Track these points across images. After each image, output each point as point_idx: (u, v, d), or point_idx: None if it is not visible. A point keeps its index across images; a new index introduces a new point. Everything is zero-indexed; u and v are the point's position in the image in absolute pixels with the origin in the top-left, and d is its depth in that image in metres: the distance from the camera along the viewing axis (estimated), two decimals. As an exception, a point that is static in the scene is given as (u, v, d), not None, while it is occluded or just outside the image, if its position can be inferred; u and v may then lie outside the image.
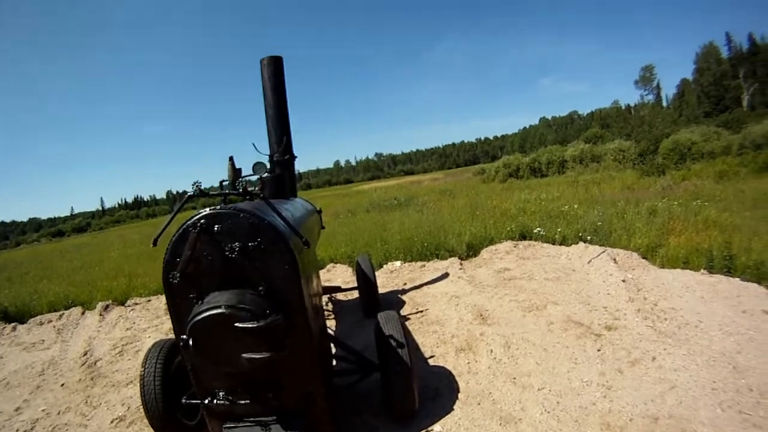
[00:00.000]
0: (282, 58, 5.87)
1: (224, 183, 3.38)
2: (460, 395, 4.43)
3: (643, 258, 8.07)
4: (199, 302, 2.96)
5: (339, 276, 9.60)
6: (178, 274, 3.02)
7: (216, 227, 2.98)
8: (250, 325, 2.74)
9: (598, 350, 4.90)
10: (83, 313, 9.29)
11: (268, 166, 4.10)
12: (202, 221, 2.98)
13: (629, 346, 4.89)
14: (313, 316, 3.37)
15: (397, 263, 9.75)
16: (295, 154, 5.99)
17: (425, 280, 8.23)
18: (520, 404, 4.17)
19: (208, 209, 3.05)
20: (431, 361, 5.20)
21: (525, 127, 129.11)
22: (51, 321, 9.09)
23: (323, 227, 6.55)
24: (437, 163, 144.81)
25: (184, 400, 3.33)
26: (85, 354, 7.07)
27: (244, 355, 2.79)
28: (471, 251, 9.97)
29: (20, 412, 5.53)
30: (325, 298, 8.03)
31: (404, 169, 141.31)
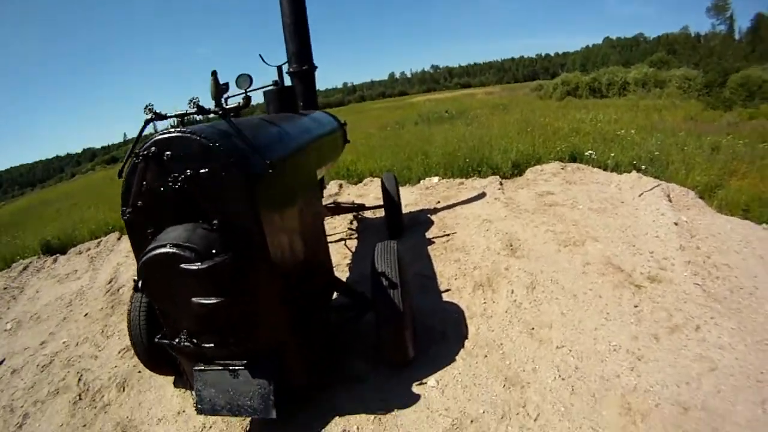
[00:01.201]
0: None
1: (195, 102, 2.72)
2: (466, 343, 3.82)
3: (700, 197, 7.02)
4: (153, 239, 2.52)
5: (373, 190, 8.97)
6: (129, 210, 2.63)
7: (166, 154, 2.47)
8: (191, 267, 2.27)
9: (635, 306, 4.04)
10: (119, 238, 9.07)
11: (252, 78, 3.47)
12: (152, 148, 2.48)
13: (671, 307, 3.97)
14: (284, 254, 2.81)
15: (435, 179, 9.03)
16: (316, 64, 5.28)
17: (460, 199, 7.50)
18: (532, 363, 3.51)
19: (158, 134, 2.53)
20: (445, 296, 4.60)
21: (588, 46, 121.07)
22: (89, 249, 8.91)
23: (348, 141, 5.90)
24: (495, 78, 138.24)
25: (156, 339, 2.92)
26: (110, 282, 6.83)
27: (194, 299, 2.35)
28: (516, 170, 9.12)
29: (44, 346, 5.36)
30: (350, 216, 7.55)
31: (461, 83, 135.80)
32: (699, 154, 9.16)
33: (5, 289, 7.60)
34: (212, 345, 2.72)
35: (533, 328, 3.92)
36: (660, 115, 17.23)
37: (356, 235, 6.86)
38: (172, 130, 2.52)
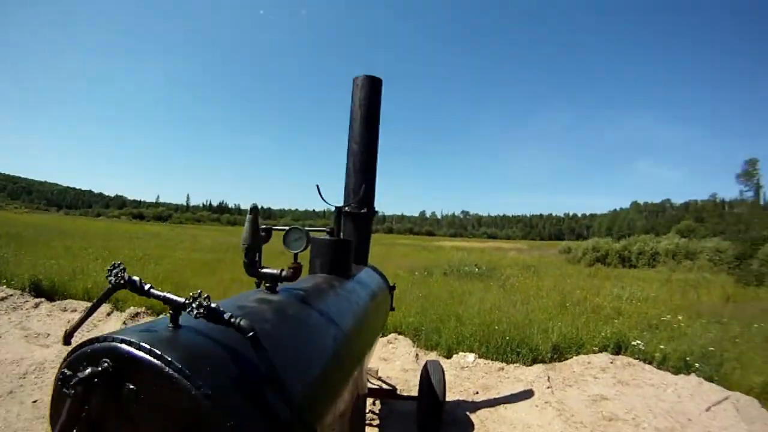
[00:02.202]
0: (381, 81, 4.46)
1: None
2: None
3: (762, 407, 6.00)
4: None
5: (400, 354, 8.01)
6: None
7: (127, 386, 1.21)
8: None
9: None
10: (109, 314, 8.30)
11: (309, 237, 2.45)
12: (103, 364, 1.19)
13: None
14: None
15: (470, 357, 8.05)
16: (376, 209, 4.48)
17: (502, 393, 6.49)
18: None
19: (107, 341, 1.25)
20: None
21: (615, 210, 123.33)
22: (74, 310, 8.14)
23: (392, 308, 5.06)
24: (521, 232, 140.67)
25: None
26: None
27: None
28: (557, 354, 8.25)
29: None
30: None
31: (488, 232, 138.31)
32: (752, 348, 8.30)
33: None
34: None
35: None
36: (696, 293, 16.42)
37: (377, 422, 5.51)
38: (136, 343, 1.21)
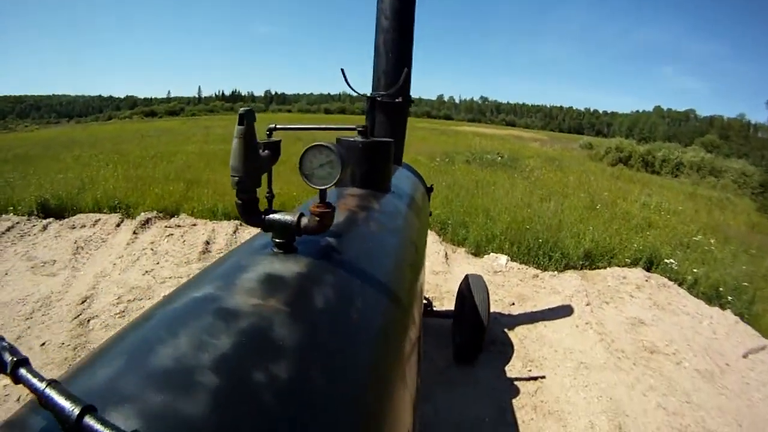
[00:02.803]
0: None
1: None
2: None
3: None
4: None
5: (428, 253, 7.10)
6: None
7: None
8: None
9: None
10: (118, 225, 7.89)
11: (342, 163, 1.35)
12: None
13: None
14: None
15: (503, 260, 7.53)
16: (412, 96, 3.60)
17: (539, 307, 6.07)
18: None
19: None
20: None
21: (637, 111, 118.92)
22: (83, 226, 7.73)
23: (430, 213, 4.30)
24: (540, 122, 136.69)
25: None
26: (84, 302, 5.42)
27: None
28: (589, 261, 7.88)
29: None
30: None
31: (506, 119, 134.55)
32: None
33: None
34: None
35: None
36: (722, 214, 15.86)
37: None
38: None
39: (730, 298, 7.15)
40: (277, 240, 1.28)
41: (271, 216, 1.28)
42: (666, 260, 8.20)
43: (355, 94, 3.08)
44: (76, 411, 0.56)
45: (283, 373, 0.81)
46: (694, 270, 7.89)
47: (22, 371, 0.63)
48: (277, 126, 1.56)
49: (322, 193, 1.32)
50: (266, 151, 1.35)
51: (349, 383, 0.95)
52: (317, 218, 1.27)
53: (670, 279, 7.65)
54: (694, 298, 7.11)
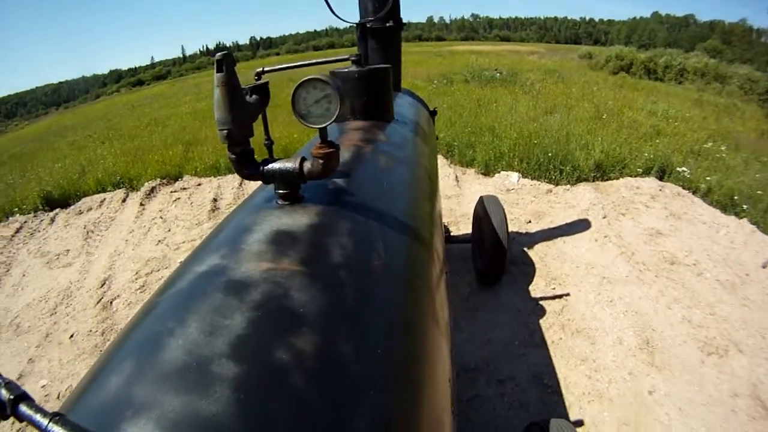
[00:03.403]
0: None
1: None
2: None
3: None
4: None
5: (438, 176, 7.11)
6: None
7: None
8: None
9: None
10: (124, 200, 7.59)
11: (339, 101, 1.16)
12: None
13: None
14: None
15: (514, 176, 7.27)
16: (403, 19, 3.23)
17: (556, 223, 5.86)
18: None
19: None
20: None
21: (635, 18, 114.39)
22: (90, 209, 7.44)
23: (437, 138, 4.15)
24: (536, 35, 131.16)
25: None
26: (103, 284, 5.25)
27: None
28: (600, 172, 7.62)
29: (22, 382, 3.79)
30: None
31: (500, 35, 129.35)
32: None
33: (-7, 261, 6.12)
34: None
35: None
36: (731, 120, 15.45)
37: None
38: None
39: (745, 206, 6.94)
40: (281, 191, 1.17)
41: (270, 165, 1.16)
42: (678, 168, 7.93)
43: (343, 25, 2.80)
44: None
45: (309, 347, 0.73)
46: (707, 178, 7.64)
47: (23, 408, 0.58)
48: (266, 69, 1.39)
49: (323, 132, 1.18)
50: (254, 96, 1.20)
51: (382, 345, 0.86)
52: (321, 161, 1.15)
53: (683, 188, 7.42)
54: (709, 206, 6.89)
